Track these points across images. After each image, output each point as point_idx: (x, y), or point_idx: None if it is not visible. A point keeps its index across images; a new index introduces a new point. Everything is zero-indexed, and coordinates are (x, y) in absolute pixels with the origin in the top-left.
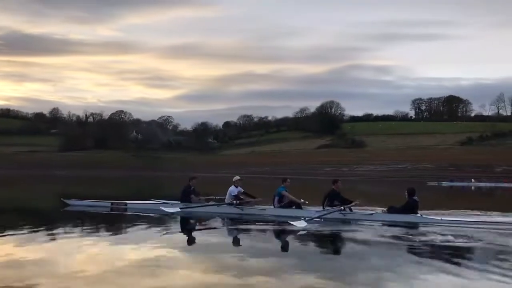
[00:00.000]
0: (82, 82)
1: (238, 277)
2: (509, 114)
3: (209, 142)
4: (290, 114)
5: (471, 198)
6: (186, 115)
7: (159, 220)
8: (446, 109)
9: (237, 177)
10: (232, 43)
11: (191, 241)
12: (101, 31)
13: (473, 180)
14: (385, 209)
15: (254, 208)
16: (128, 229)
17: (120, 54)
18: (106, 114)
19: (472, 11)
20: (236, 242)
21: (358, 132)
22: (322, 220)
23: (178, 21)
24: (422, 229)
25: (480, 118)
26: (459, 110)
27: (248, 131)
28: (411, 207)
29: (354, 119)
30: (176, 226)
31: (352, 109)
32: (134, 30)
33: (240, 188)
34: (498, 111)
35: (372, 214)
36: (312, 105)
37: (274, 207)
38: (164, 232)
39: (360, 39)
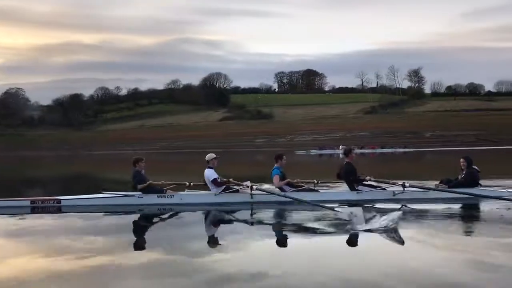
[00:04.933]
0: None
1: (72, 259)
2: (374, 85)
3: (76, 117)
4: (121, 86)
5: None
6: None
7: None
8: (305, 82)
9: (212, 155)
10: (55, 9)
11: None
12: None
13: (341, 146)
14: (437, 182)
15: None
16: None
17: None
18: None
19: None
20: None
21: (251, 104)
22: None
23: None
24: (489, 206)
25: (344, 90)
26: (315, 83)
27: (114, 104)
28: (474, 179)
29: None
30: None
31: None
32: None
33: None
34: (363, 84)
35: (427, 190)
36: (146, 78)
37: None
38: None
39: (191, 12)
